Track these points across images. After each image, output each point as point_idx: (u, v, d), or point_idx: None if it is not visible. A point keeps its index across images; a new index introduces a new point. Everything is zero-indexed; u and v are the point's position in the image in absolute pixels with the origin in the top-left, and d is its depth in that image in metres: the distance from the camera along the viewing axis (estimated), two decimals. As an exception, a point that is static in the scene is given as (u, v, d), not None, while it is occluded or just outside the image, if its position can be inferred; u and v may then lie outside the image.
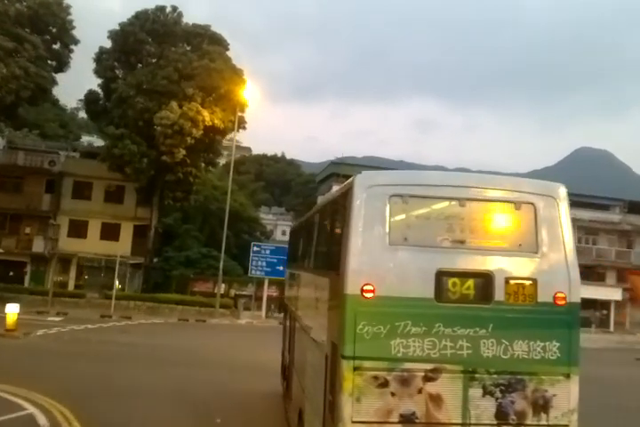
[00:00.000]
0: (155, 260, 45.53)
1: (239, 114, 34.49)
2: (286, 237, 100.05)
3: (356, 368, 5.74)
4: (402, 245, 5.97)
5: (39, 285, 37.53)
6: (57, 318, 28.28)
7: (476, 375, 5.84)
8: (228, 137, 35.99)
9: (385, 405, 5.73)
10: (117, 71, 34.25)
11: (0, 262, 36.77)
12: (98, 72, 34.10)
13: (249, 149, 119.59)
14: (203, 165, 35.97)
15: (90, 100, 34.71)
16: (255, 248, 35.04)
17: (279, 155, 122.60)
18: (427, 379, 5.79)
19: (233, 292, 40.59)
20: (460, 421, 5.75)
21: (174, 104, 31.92)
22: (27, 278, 37.59)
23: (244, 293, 40.42)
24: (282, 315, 17.38)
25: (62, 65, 35.03)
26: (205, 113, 32.02)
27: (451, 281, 5.91)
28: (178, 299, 34.31)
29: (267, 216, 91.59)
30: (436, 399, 5.79)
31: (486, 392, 5.83)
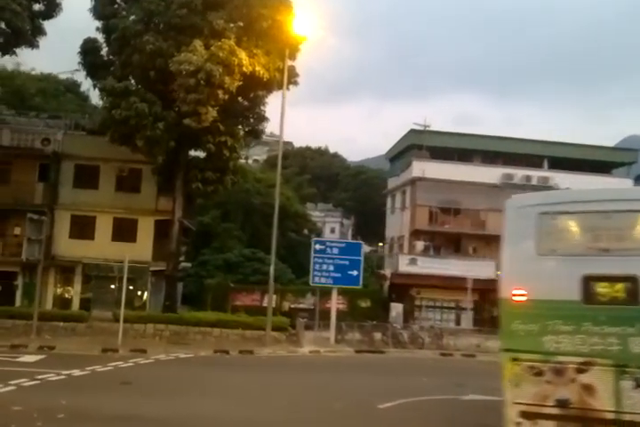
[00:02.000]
0: (189, 265, 35.87)
1: (289, 63, 24.16)
2: (335, 236, 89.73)
3: (513, 359, 7.05)
4: (550, 255, 7.09)
5: (32, 301, 27.92)
6: (32, 358, 18.52)
7: (627, 369, 6.51)
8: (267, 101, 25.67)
9: (541, 391, 6.87)
10: (119, 5, 24.29)
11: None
12: (95, 10, 24.42)
13: (291, 144, 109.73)
14: (241, 132, 25.71)
15: (87, 50, 25.11)
16: (318, 246, 24.77)
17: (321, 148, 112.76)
18: (579, 371, 6.72)
19: (287, 305, 30.57)
20: (613, 408, 6.51)
21: (198, 43, 22.04)
22: (18, 294, 27.98)
23: (301, 305, 30.15)
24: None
25: (52, 8, 25.30)
26: (243, 54, 21.82)
27: (596, 285, 6.74)
28: (213, 320, 24.38)
29: (313, 213, 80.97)
30: (588, 389, 6.66)
31: (638, 385, 6.42)
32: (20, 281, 28.69)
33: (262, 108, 26.21)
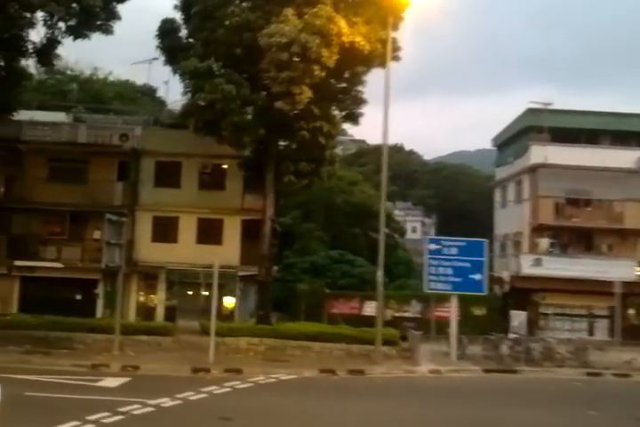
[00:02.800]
0: (275, 268, 32.71)
1: (392, 35, 20.51)
2: (417, 235, 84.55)
3: None
4: None
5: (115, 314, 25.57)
6: (115, 382, 15.71)
7: None
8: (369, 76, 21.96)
9: None
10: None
11: (62, 282, 25.16)
12: (171, -16, 21.56)
13: (364, 142, 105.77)
14: (338, 116, 22.21)
15: (165, 32, 22.41)
16: (432, 245, 20.98)
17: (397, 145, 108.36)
18: None
19: (390, 314, 26.63)
20: None
21: (290, 12, 18.87)
22: (99, 304, 25.64)
23: (406, 314, 26.39)
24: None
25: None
26: (342, 22, 18.33)
27: None
28: (313, 332, 20.96)
29: (393, 212, 76.74)
30: None
31: None
32: (100, 289, 26.46)
33: (360, 88, 22.62)
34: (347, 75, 22.18)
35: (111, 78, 57.23)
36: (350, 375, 18.59)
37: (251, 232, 27.13)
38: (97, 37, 21.99)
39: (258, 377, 17.21)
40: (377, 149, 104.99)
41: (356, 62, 21.12)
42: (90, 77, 56.88)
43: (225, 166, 26.81)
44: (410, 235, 76.93)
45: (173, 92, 28.83)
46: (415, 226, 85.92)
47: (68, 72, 56.13)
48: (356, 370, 18.94)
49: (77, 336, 20.45)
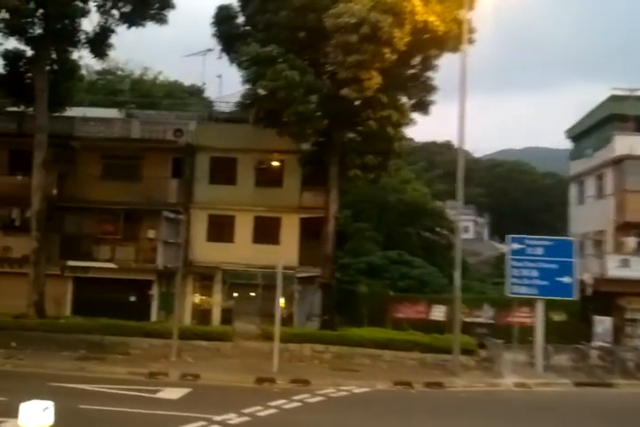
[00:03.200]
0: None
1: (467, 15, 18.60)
2: (469, 235, 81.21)
3: None
4: None
5: (171, 314, 24.43)
6: (175, 394, 14.39)
7: None
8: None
9: None
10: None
11: (115, 283, 24.15)
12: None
13: (412, 140, 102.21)
14: (407, 104, 20.37)
15: (222, 19, 21.06)
16: (515, 245, 18.96)
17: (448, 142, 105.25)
18: None
19: (460, 319, 24.50)
20: None
21: (358, -10, 16.91)
22: (154, 305, 24.51)
23: (478, 319, 24.38)
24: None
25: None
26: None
27: None
28: (382, 339, 19.23)
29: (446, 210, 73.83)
30: None
31: None
32: (155, 291, 25.33)
33: (430, 73, 20.75)
34: (417, 59, 20.34)
35: (161, 78, 57.10)
36: (428, 389, 16.83)
37: (309, 231, 25.64)
38: (148, 37, 20.94)
39: (327, 389, 15.63)
40: (425, 147, 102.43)
41: (428, 45, 19.31)
42: (140, 77, 56.80)
43: (282, 162, 25.31)
44: (463, 234, 74.10)
45: (228, 85, 27.44)
46: (467, 225, 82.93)
47: (119, 72, 56.17)
48: (434, 382, 17.15)
49: (133, 341, 19.34)
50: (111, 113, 28.65)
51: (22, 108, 24.89)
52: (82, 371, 16.61)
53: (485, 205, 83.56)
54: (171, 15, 20.90)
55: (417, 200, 53.08)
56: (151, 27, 20.96)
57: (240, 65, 19.87)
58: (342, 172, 20.99)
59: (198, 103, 51.12)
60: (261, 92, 18.54)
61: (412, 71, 20.60)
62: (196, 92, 53.49)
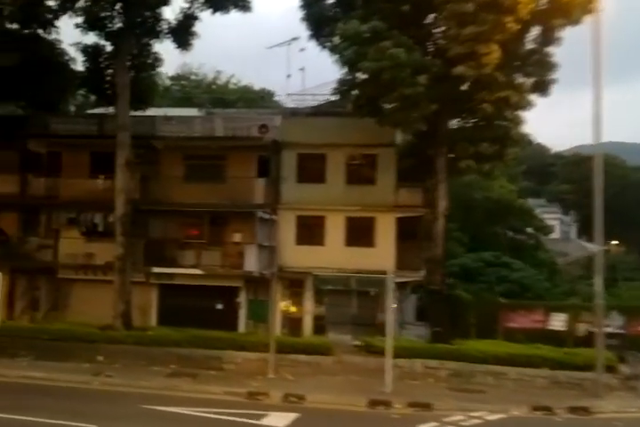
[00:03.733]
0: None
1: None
2: (556, 235, 75.92)
3: None
4: None
5: (260, 323, 22.69)
6: (282, 420, 12.60)
7: None
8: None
9: None
10: None
11: (201, 290, 22.64)
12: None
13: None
14: (525, 84, 17.64)
15: (309, 0, 18.79)
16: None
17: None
18: None
19: (584, 328, 21.57)
20: None
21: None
22: (242, 314, 22.81)
23: (607, 329, 21.16)
24: None
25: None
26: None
27: None
28: (507, 354, 16.79)
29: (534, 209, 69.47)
30: None
31: None
32: (243, 298, 23.59)
33: (551, 48, 17.94)
34: (534, 32, 17.63)
35: (233, 81, 56.42)
36: (574, 415, 14.20)
37: (406, 232, 23.30)
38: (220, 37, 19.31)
39: (455, 416, 13.34)
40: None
41: (549, 14, 16.58)
42: (213, 81, 56.32)
43: (375, 156, 23.09)
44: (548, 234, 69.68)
45: (310, 79, 25.47)
46: (553, 224, 78.10)
47: (192, 77, 55.86)
48: (579, 407, 14.45)
49: (226, 355, 17.59)
50: (190, 113, 27.43)
51: (102, 109, 24.06)
52: (175, 390, 14.96)
53: (571, 202, 78.39)
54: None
55: (504, 198, 49.77)
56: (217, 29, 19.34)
57: (334, 49, 17.82)
58: (451, 164, 18.52)
59: (270, 106, 49.97)
60: (360, 76, 16.38)
61: (531, 46, 17.90)
62: (267, 96, 52.43)
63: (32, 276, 24.41)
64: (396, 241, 23.21)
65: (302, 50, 25.78)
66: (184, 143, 23.77)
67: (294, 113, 25.61)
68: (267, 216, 17.05)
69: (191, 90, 52.71)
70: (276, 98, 46.33)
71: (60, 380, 15.36)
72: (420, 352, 17.37)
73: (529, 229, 52.45)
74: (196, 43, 19.57)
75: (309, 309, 23.69)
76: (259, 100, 51.60)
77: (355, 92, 17.64)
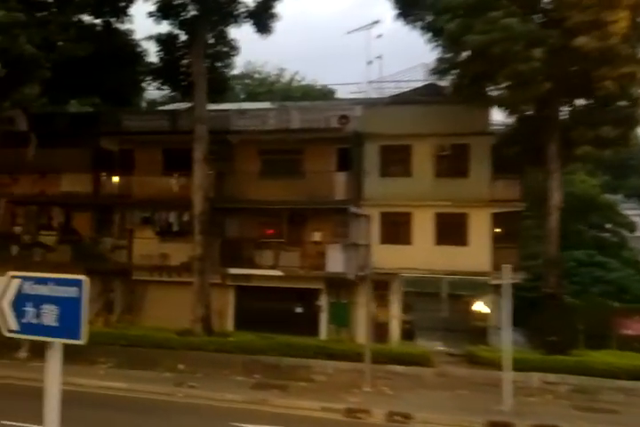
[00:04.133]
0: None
1: None
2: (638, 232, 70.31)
3: None
4: None
5: (343, 329, 21.21)
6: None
7: None
8: None
9: None
10: None
11: (279, 292, 21.24)
12: None
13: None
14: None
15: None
16: None
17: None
18: None
19: None
20: None
21: None
22: (323, 319, 21.26)
23: None
24: None
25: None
26: None
27: None
28: (637, 366, 14.15)
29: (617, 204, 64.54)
30: None
31: None
32: (324, 301, 21.99)
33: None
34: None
35: (297, 78, 55.30)
36: None
37: (503, 229, 21.17)
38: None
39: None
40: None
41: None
42: (276, 79, 55.39)
43: (467, 146, 21.07)
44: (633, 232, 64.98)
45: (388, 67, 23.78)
46: (636, 221, 73.00)
47: (256, 75, 55.06)
48: None
49: (315, 364, 16.05)
50: (262, 107, 26.15)
51: (174, 106, 23.08)
52: (264, 404, 13.49)
53: (651, 198, 73.31)
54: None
55: (587, 193, 46.56)
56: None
57: (433, 24, 15.92)
58: (565, 148, 16.29)
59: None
60: (464, 53, 14.44)
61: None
62: (328, 94, 50.94)
63: (106, 277, 23.59)
64: (492, 239, 21.12)
65: (379, 36, 24.17)
66: (260, 137, 22.40)
67: (373, 103, 23.88)
68: (353, 211, 15.27)
69: (254, 88, 51.96)
70: (352, 89, 44.72)
71: (141, 391, 14.19)
72: (535, 365, 15.31)
73: (610, 226, 49.05)
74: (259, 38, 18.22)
75: (396, 313, 21.85)
76: (322, 97, 50.26)
77: (455, 71, 15.68)
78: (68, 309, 6.25)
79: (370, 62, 22.84)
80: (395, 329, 21.83)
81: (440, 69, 16.74)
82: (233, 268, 22.12)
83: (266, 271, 22.01)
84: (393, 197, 21.50)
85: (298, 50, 63.32)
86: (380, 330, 22.14)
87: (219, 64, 19.17)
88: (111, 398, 13.55)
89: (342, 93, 28.57)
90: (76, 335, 6.27)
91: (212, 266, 21.31)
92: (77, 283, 6.36)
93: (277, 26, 18.22)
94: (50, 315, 6.37)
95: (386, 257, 21.44)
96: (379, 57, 25.85)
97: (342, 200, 21.80)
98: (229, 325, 22.46)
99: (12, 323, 6.60)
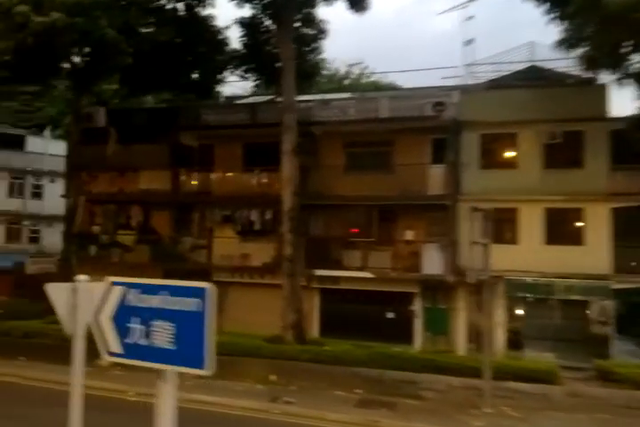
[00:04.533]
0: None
1: None
2: None
3: None
4: None
5: (440, 337, 19.33)
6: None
7: None
8: None
9: None
10: None
11: (368, 295, 19.63)
12: None
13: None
14: None
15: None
16: None
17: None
18: None
19: None
20: None
21: None
22: (417, 326, 19.42)
23: None
24: None
25: None
26: None
27: None
28: None
29: None
30: None
31: None
32: (418, 306, 20.10)
33: None
34: None
35: (366, 72, 53.59)
36: None
37: (625, 226, 18.66)
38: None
39: None
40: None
41: None
42: (345, 75, 53.88)
43: (581, 134, 18.71)
44: None
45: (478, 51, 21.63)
46: None
47: (324, 72, 53.66)
48: None
49: (423, 379, 14.18)
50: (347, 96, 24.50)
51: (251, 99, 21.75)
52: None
53: None
54: None
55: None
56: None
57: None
58: None
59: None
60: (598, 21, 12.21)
61: None
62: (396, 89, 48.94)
63: (185, 278, 22.39)
64: (612, 237, 18.65)
65: (471, 18, 22.19)
66: (345, 128, 20.75)
67: (469, 89, 21.78)
68: (483, 206, 13.38)
69: (322, 86, 50.68)
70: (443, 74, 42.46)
71: (234, 406, 12.79)
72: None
73: None
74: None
75: (501, 320, 19.68)
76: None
77: (585, 44, 13.50)
78: (188, 326, 4.68)
79: (468, 42, 20.76)
80: (499, 338, 19.65)
81: (568, 40, 14.53)
82: (319, 269, 20.59)
83: (354, 273, 20.34)
84: (496, 191, 19.36)
85: (362, 47, 61.66)
86: (482, 339, 20.09)
87: (306, 49, 17.64)
88: (204, 414, 12.20)
89: (428, 81, 26.48)
90: (198, 363, 4.70)
91: (298, 267, 19.84)
92: (200, 293, 4.81)
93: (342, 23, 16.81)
94: (163, 334, 4.85)
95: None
96: (469, 41, 23.72)
97: (438, 195, 19.85)
98: (314, 330, 20.94)
99: (114, 343, 5.17)
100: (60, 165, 27.91)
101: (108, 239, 23.20)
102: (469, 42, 22.83)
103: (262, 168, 21.28)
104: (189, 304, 4.64)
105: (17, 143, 33.98)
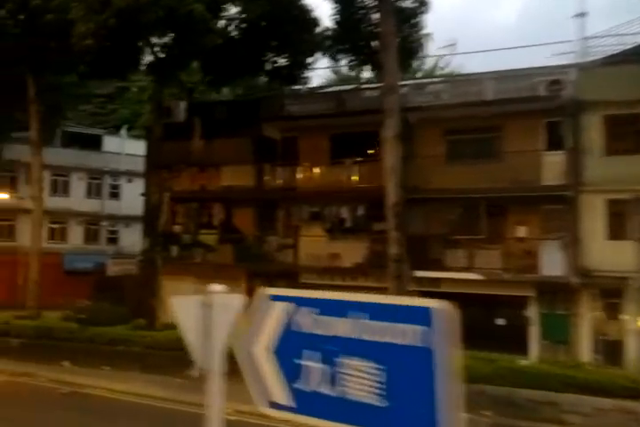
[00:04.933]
0: None
1: None
2: None
3: None
4: None
5: (560, 346, 17.01)
6: None
7: None
8: None
9: None
10: None
11: (473, 300, 17.46)
12: None
13: None
14: None
15: None
16: None
17: None
18: None
19: None
20: None
21: None
22: (532, 334, 17.17)
23: None
24: None
25: None
26: None
27: None
28: None
29: None
30: None
31: None
32: (533, 312, 17.79)
33: None
34: None
35: (440, 65, 51.06)
36: None
37: None
38: None
39: None
40: None
41: None
42: (419, 67, 51.56)
43: None
44: None
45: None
46: None
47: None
48: None
49: (562, 399, 11.92)
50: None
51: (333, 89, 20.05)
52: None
53: None
54: None
55: None
56: None
57: None
58: None
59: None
60: None
61: None
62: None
63: (271, 280, 21.13)
64: None
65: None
66: (446, 114, 18.68)
67: (587, 66, 19.23)
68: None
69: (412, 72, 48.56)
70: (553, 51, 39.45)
71: None
72: None
73: None
74: None
75: (633, 327, 17.12)
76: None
77: None
78: (406, 371, 2.93)
79: (581, 15, 18.31)
80: (631, 348, 17.10)
81: None
82: (418, 270, 18.63)
83: (459, 274, 18.28)
84: (623, 180, 16.77)
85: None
86: (611, 349, 17.58)
87: (406, 24, 15.79)
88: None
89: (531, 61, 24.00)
90: (427, 431, 2.96)
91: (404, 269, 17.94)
92: (422, 315, 3.03)
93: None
94: (362, 381, 3.04)
95: (615, 257, 16.88)
96: (580, 14, 21.12)
97: (557, 186, 17.48)
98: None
99: (277, 390, 3.43)
100: (137, 165, 27.22)
101: (189, 239, 22.10)
102: (581, 15, 20.34)
103: (353, 160, 19.57)
104: (406, 334, 2.88)
105: (94, 143, 33.74)
